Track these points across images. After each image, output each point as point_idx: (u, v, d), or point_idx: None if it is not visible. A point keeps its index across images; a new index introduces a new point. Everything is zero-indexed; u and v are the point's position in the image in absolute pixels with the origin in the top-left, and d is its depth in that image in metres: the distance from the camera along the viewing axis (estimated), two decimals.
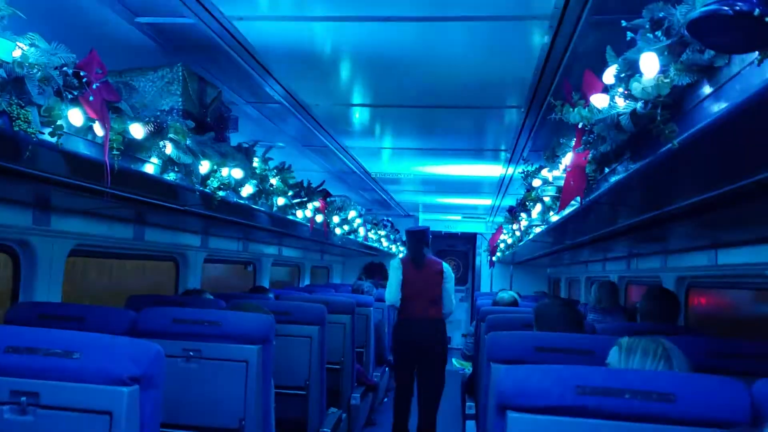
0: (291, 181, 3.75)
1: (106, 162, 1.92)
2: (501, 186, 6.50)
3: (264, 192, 3.33)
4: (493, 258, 8.76)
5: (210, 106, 2.81)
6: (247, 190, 3.05)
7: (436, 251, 11.23)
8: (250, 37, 2.59)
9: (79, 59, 1.78)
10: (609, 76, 1.61)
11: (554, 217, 3.25)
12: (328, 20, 2.46)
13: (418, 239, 5.38)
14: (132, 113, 2.10)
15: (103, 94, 1.86)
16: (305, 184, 4.26)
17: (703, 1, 0.99)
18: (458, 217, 10.93)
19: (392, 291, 5.28)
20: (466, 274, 13.15)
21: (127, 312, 2.72)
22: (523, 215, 4.53)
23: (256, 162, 3.20)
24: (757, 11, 0.90)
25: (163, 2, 2.25)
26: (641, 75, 1.39)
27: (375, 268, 10.76)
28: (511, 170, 5.39)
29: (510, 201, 6.79)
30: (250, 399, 2.57)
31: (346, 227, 5.79)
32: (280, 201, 3.63)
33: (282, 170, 3.64)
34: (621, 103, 1.53)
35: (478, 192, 7.49)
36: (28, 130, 1.54)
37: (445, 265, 5.37)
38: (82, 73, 1.76)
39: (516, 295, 5.45)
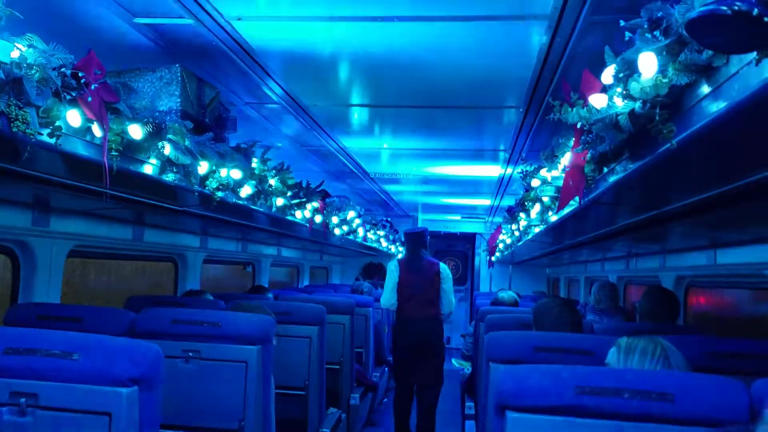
0: (290, 182, 3.75)
1: (105, 163, 1.92)
2: (500, 186, 6.50)
3: (263, 192, 3.33)
4: (492, 258, 8.76)
5: (208, 107, 2.81)
6: (245, 190, 3.05)
7: (435, 251, 11.26)
8: (248, 37, 2.59)
9: (78, 60, 1.78)
10: (607, 76, 1.61)
11: (553, 217, 3.25)
12: (326, 20, 2.46)
13: (416, 241, 5.45)
14: (130, 114, 2.09)
15: (102, 95, 1.86)
16: (304, 185, 4.26)
17: (701, 1, 0.99)
18: (457, 217, 10.94)
19: (387, 295, 5.39)
20: (466, 274, 13.14)
21: (126, 313, 2.71)
22: (522, 215, 4.53)
23: (254, 162, 3.19)
24: (755, 11, 0.90)
25: (161, 3, 2.25)
26: (640, 75, 1.39)
27: (374, 269, 10.75)
28: (509, 170, 5.40)
29: (509, 201, 6.80)
30: (250, 400, 2.57)
31: (345, 228, 5.79)
32: (279, 201, 3.63)
33: (281, 171, 3.63)
34: (619, 102, 1.53)
35: (477, 192, 7.50)
36: (27, 131, 1.54)
37: (443, 266, 5.40)
38: (80, 74, 1.76)
39: (515, 295, 5.45)
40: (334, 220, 5.34)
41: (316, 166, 5.57)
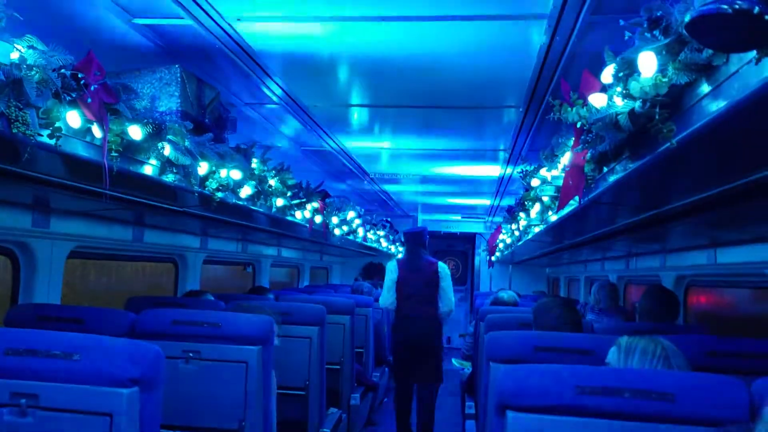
0: (290, 182, 3.75)
1: (105, 163, 1.92)
2: (500, 186, 6.50)
3: (263, 193, 3.33)
4: (492, 258, 8.75)
5: (208, 107, 2.81)
6: (245, 191, 3.05)
7: (435, 251, 11.23)
8: (248, 37, 2.58)
9: (77, 61, 1.78)
10: (607, 75, 1.61)
11: (553, 217, 3.25)
12: (326, 20, 2.46)
13: (415, 240, 5.48)
14: (130, 115, 2.09)
15: (101, 96, 1.86)
16: (304, 185, 4.26)
17: (701, 0, 0.99)
18: (457, 217, 10.95)
19: (385, 295, 5.42)
20: (465, 274, 13.14)
21: (126, 313, 2.71)
22: (522, 215, 4.53)
23: (254, 163, 3.20)
24: (756, 9, 0.90)
25: (160, 4, 2.25)
26: (639, 74, 1.39)
27: (374, 269, 10.74)
28: (509, 170, 5.40)
29: (509, 201, 6.80)
30: (250, 400, 2.57)
31: (345, 228, 5.79)
32: (279, 202, 3.63)
33: (281, 171, 3.63)
34: (619, 102, 1.53)
35: (477, 192, 7.49)
36: (27, 132, 1.54)
37: (441, 265, 5.42)
38: (80, 75, 1.76)
39: (515, 295, 5.45)
40: (334, 220, 5.34)
41: (316, 167, 5.57)
